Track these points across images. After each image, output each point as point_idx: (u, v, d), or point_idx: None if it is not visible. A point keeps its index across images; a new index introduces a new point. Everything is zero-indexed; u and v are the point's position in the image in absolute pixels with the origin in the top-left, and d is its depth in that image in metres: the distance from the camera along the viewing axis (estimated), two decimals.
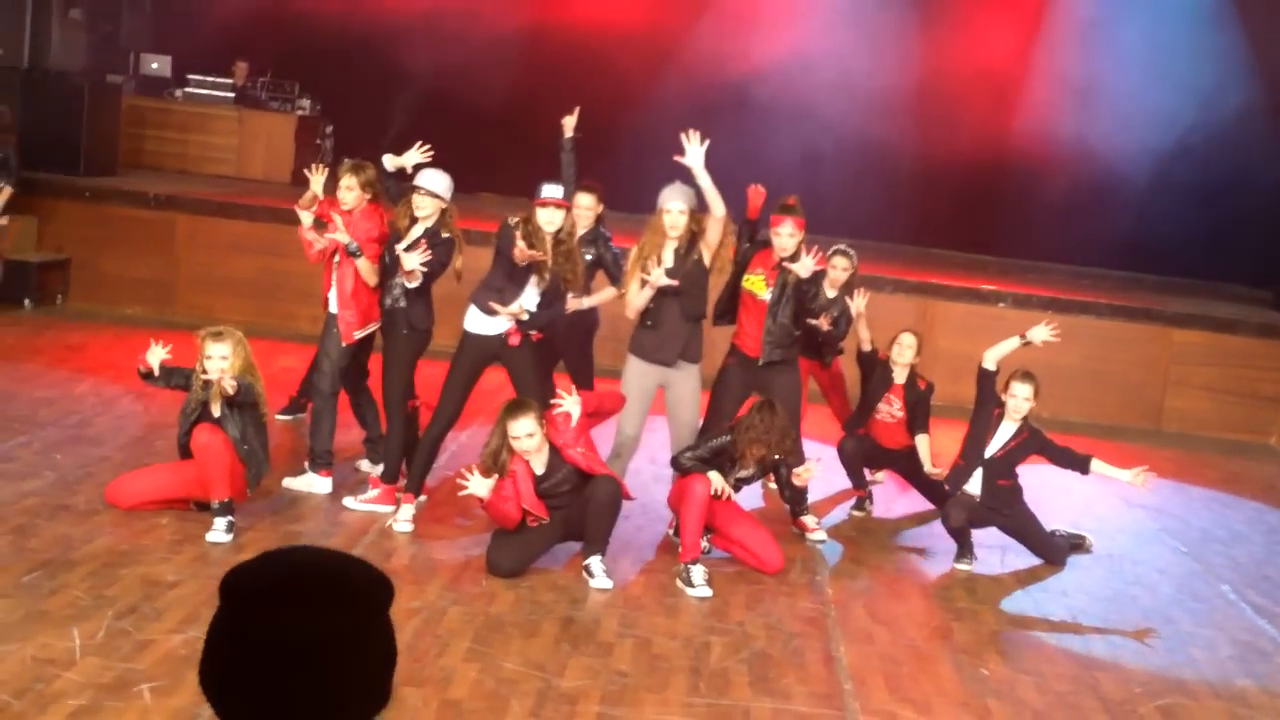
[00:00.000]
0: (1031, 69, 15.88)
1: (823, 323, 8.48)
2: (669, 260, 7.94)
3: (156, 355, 7.51)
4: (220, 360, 7.32)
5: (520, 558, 7.23)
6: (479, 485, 7.08)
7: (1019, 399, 8.16)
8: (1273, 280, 14.96)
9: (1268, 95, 15.26)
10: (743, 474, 7.75)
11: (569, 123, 9.20)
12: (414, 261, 7.79)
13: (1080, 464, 8.28)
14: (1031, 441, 8.26)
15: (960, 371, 8.58)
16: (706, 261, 8.03)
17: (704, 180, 7.80)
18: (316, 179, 8.55)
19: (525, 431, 7.08)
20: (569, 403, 7.35)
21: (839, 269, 9.07)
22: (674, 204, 7.94)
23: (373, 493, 8.08)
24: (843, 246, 9.17)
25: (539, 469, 7.20)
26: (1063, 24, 15.99)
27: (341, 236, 8.08)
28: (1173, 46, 15.93)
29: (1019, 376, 8.20)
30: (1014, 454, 8.25)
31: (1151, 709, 6.45)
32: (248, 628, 1.97)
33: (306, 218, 8.46)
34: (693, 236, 7.98)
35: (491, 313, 7.75)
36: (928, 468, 8.78)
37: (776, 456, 7.71)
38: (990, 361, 8.32)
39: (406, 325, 8.07)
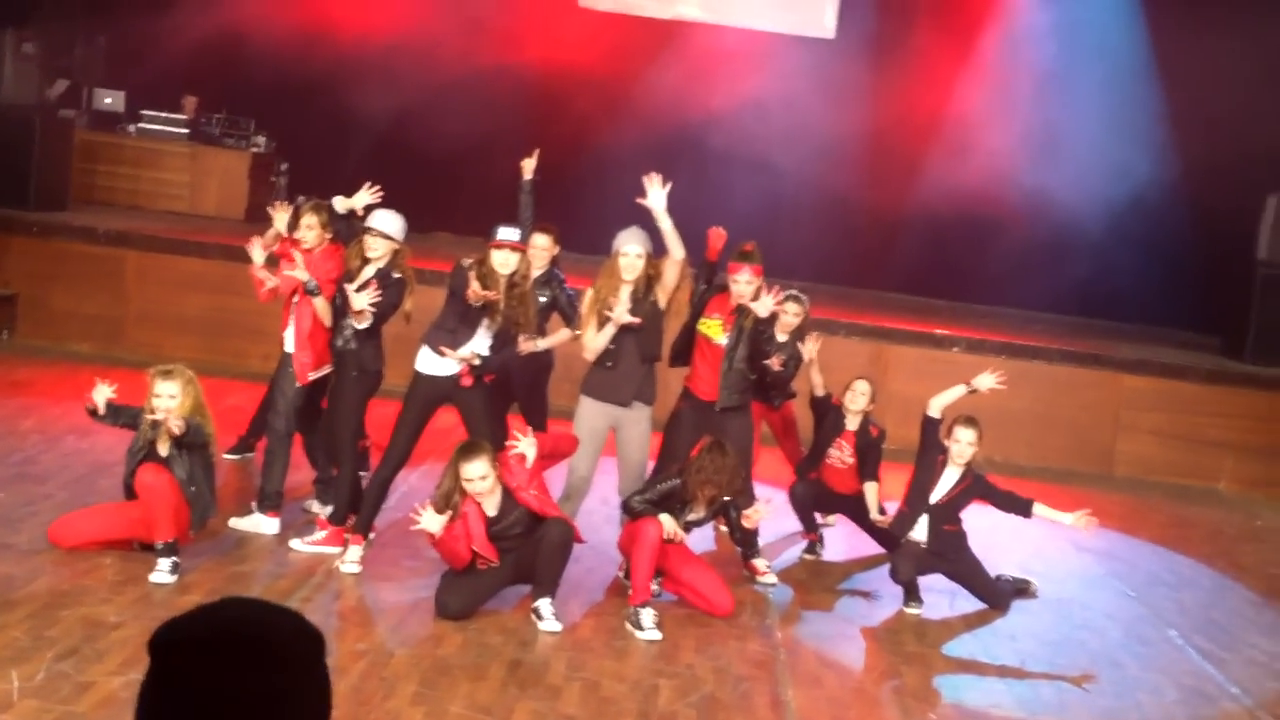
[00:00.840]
0: (988, 118, 15.99)
1: (774, 363, 8.50)
2: (625, 303, 7.95)
3: (103, 394, 7.44)
4: (169, 399, 7.26)
5: (469, 599, 7.19)
6: (431, 521, 7.04)
7: (962, 444, 8.20)
8: (1221, 327, 15.08)
9: (1216, 149, 15.41)
10: (693, 517, 7.74)
11: (528, 165, 9.22)
12: (363, 301, 7.77)
13: (1022, 508, 8.32)
14: (975, 487, 8.29)
15: (913, 415, 8.60)
16: (662, 304, 8.05)
17: (665, 223, 7.83)
18: (280, 217, 8.55)
19: (479, 474, 7.04)
20: (524, 444, 7.32)
21: (790, 314, 9.10)
22: (631, 248, 7.96)
23: (320, 534, 8.01)
24: (794, 292, 9.21)
25: (491, 511, 7.17)
26: (1019, 75, 16.12)
27: (301, 274, 8.05)
28: (1128, 100, 16.14)
29: (962, 421, 8.24)
30: (958, 500, 8.28)
31: None
32: (176, 686, 1.96)
33: (258, 256, 8.43)
34: (648, 280, 8.00)
35: (444, 354, 7.74)
36: (874, 514, 8.80)
37: (727, 498, 7.71)
38: (935, 409, 8.35)
39: (357, 367, 8.04)
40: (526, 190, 9.20)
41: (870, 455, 8.96)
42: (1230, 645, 8.38)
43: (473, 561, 7.18)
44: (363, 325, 7.89)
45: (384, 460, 7.95)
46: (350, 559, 7.75)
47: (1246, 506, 12.54)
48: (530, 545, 7.19)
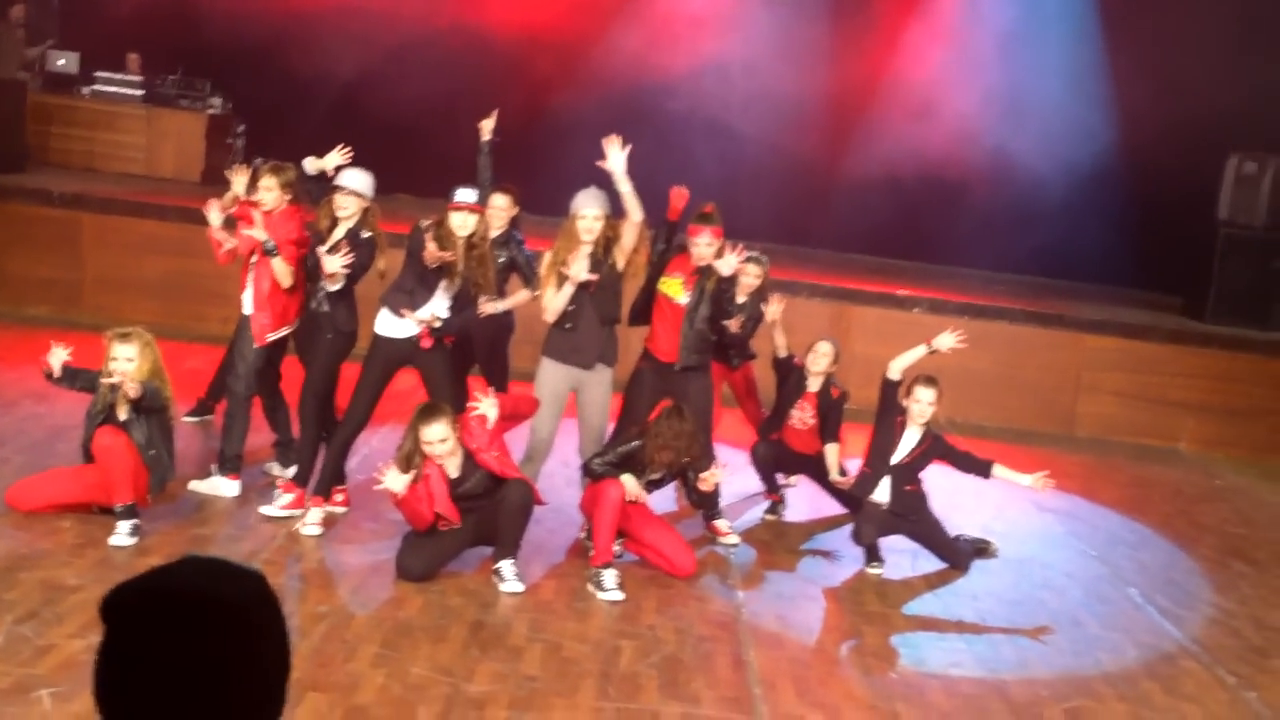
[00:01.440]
0: (949, 79, 15.97)
1: (733, 324, 8.48)
2: (583, 262, 7.91)
3: (58, 356, 7.37)
4: (126, 362, 7.19)
5: (430, 561, 7.16)
6: (395, 480, 7.00)
7: (923, 404, 8.19)
8: (1182, 287, 15.14)
9: (1177, 110, 15.45)
10: (653, 477, 7.73)
11: (487, 125, 9.20)
12: (336, 264, 7.71)
13: (982, 469, 8.34)
14: (935, 447, 8.30)
15: (874, 376, 8.59)
16: (620, 266, 8.02)
17: (624, 186, 7.81)
18: (238, 179, 8.49)
19: (438, 437, 7.01)
20: (485, 405, 7.29)
21: (750, 275, 9.07)
22: (589, 210, 7.92)
23: (286, 497, 7.94)
24: (755, 253, 9.18)
25: (453, 473, 7.14)
26: (981, 36, 16.10)
27: (259, 234, 7.97)
28: (1089, 61, 16.15)
29: (922, 381, 8.23)
30: (919, 460, 8.29)
31: (1058, 712, 6.50)
32: (130, 649, 1.93)
33: (216, 218, 8.35)
34: (607, 242, 7.96)
35: (403, 316, 7.69)
36: (833, 475, 8.81)
37: (685, 460, 7.70)
38: (895, 371, 8.33)
39: (331, 328, 7.97)
40: (485, 151, 9.16)
41: (832, 416, 8.96)
42: (1189, 604, 8.44)
43: (434, 523, 7.16)
44: (335, 287, 7.82)
45: (343, 422, 7.90)
46: (311, 521, 7.71)
47: (1206, 466, 12.62)
48: (491, 507, 7.17)
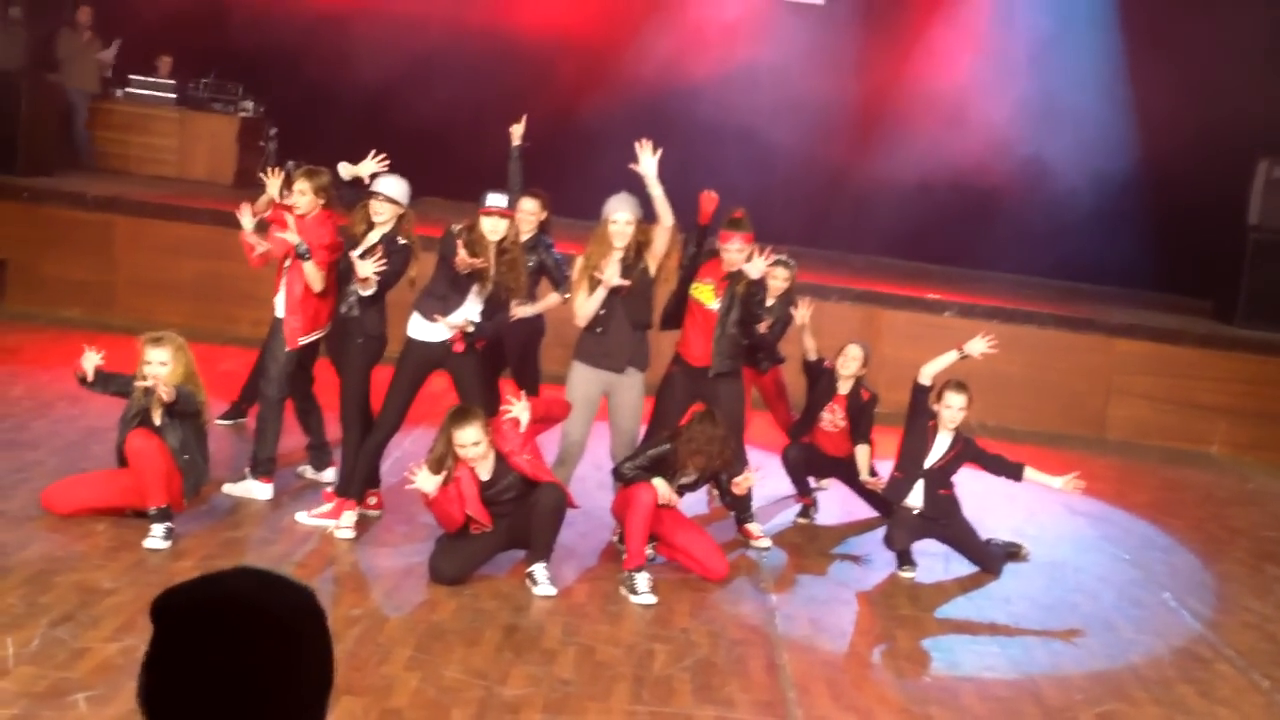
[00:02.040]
0: (980, 84, 15.94)
1: (761, 326, 8.49)
2: (615, 266, 7.92)
3: (91, 361, 7.40)
4: (159, 366, 7.22)
5: (463, 565, 7.18)
6: (426, 481, 7.02)
7: (954, 409, 8.19)
8: (1213, 291, 15.09)
9: (1208, 114, 15.41)
10: (685, 481, 7.73)
11: (517, 130, 9.23)
12: (369, 269, 7.71)
13: (1013, 471, 8.33)
14: (966, 450, 8.30)
15: (904, 380, 8.59)
16: (652, 271, 8.03)
17: (656, 189, 7.82)
18: (273, 182, 8.51)
19: (471, 440, 7.02)
20: (517, 408, 7.30)
21: (779, 279, 9.07)
22: (620, 214, 7.93)
23: (325, 506, 7.96)
24: (782, 256, 9.16)
25: (484, 475, 7.15)
26: (1012, 41, 16.06)
27: (292, 237, 7.99)
28: (1121, 66, 16.11)
29: (952, 386, 8.23)
30: (951, 464, 8.29)
31: (1091, 715, 6.48)
32: (177, 653, 1.95)
33: (248, 222, 8.37)
34: (638, 246, 7.97)
35: (435, 321, 7.71)
36: (863, 476, 8.81)
37: (717, 464, 7.71)
38: (926, 377, 8.32)
39: (361, 334, 7.98)
40: (515, 156, 9.19)
41: (862, 419, 8.95)
42: (1223, 608, 8.40)
43: (466, 526, 7.17)
44: (368, 292, 7.83)
45: (376, 426, 7.92)
46: (344, 524, 7.73)
47: (1239, 470, 12.56)
48: (523, 510, 7.18)
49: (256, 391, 8.73)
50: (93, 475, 7.70)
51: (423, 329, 7.79)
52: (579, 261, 8.12)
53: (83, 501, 7.42)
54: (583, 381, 8.11)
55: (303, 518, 7.88)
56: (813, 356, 9.21)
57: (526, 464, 7.21)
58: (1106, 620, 7.91)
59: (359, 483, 7.90)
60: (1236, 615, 8.28)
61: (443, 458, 7.08)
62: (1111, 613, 8.07)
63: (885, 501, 8.58)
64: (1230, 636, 7.83)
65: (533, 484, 7.20)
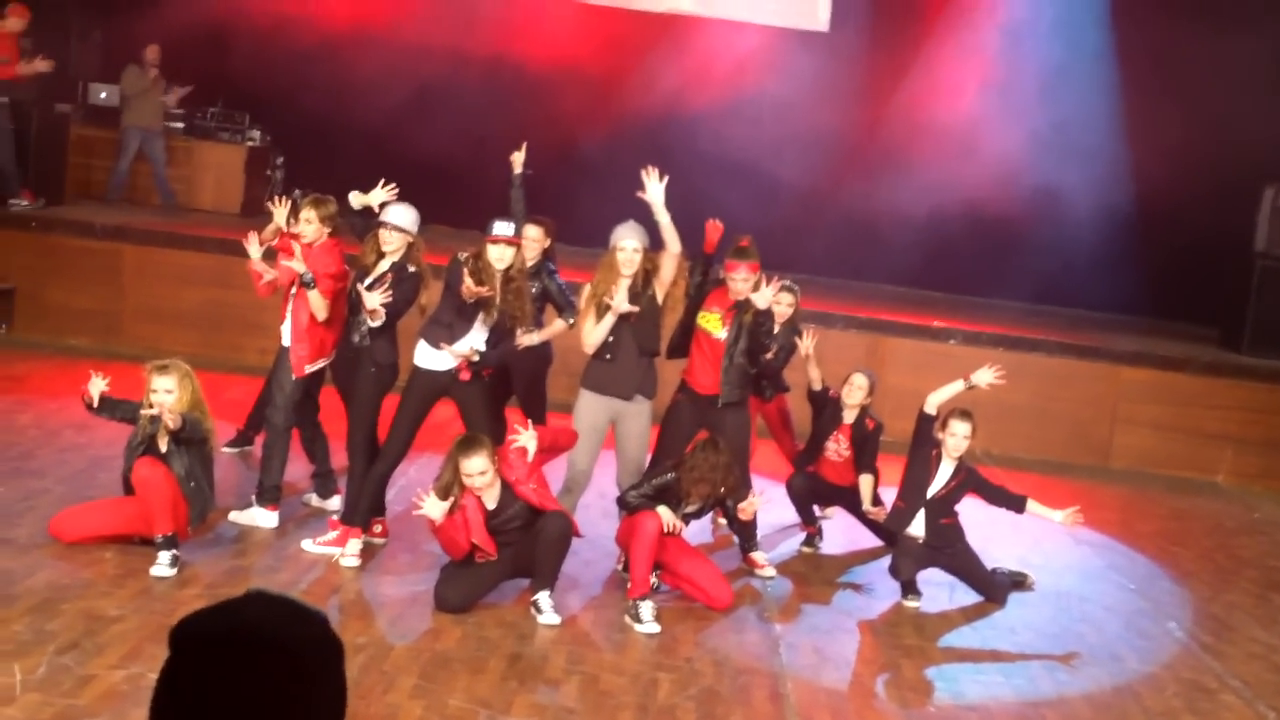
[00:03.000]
0: (983, 111, 15.97)
1: (766, 355, 8.51)
2: (624, 293, 7.94)
3: (96, 386, 7.42)
4: (165, 394, 7.25)
5: (468, 593, 7.18)
6: (434, 507, 7.02)
7: (958, 438, 8.20)
8: (1219, 319, 15.09)
9: (1213, 141, 15.46)
10: (690, 509, 7.73)
11: (518, 159, 9.28)
12: (375, 301, 7.73)
13: (1015, 504, 8.35)
14: (969, 480, 8.31)
15: (909, 408, 8.60)
16: (660, 298, 8.05)
17: (663, 217, 7.84)
18: (280, 211, 8.53)
19: (478, 469, 7.03)
20: (525, 437, 7.31)
21: (783, 305, 9.08)
22: (628, 242, 7.95)
23: (331, 534, 7.96)
24: (787, 282, 9.18)
25: (490, 504, 7.16)
26: (1016, 69, 16.09)
27: (298, 265, 8.01)
28: (1125, 93, 16.16)
29: (957, 415, 8.24)
30: (954, 493, 8.29)
31: None
32: (190, 680, 1.97)
33: (255, 250, 8.39)
34: (646, 274, 8.00)
35: (441, 349, 7.72)
36: (866, 506, 8.81)
37: (721, 492, 7.71)
38: (931, 406, 8.33)
39: (373, 363, 7.99)
40: (516, 184, 9.25)
41: (866, 448, 8.96)
42: (1230, 638, 8.38)
43: (471, 554, 7.18)
44: (377, 323, 7.85)
45: (382, 454, 7.93)
46: (350, 552, 7.74)
47: (1245, 499, 12.55)
48: (529, 539, 7.19)
49: (263, 419, 8.75)
50: (99, 503, 7.72)
51: (429, 357, 7.81)
52: (586, 289, 8.14)
53: (89, 529, 7.44)
54: (590, 410, 8.12)
55: (308, 546, 7.89)
56: (817, 386, 9.22)
57: (532, 493, 7.22)
58: (1112, 650, 7.90)
59: (364, 511, 7.91)
60: (1242, 645, 8.26)
61: (449, 486, 7.09)
62: (1117, 642, 8.05)
63: (890, 531, 8.59)
64: (1236, 667, 7.82)
65: (538, 513, 7.21)
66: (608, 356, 8.05)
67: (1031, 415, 12.97)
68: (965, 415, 8.24)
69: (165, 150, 15.89)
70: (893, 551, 8.41)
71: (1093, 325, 15.29)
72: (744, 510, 7.85)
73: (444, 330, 7.76)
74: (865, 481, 8.87)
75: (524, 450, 7.27)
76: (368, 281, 7.87)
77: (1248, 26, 15.26)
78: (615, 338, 8.01)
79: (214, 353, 12.28)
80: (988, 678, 7.26)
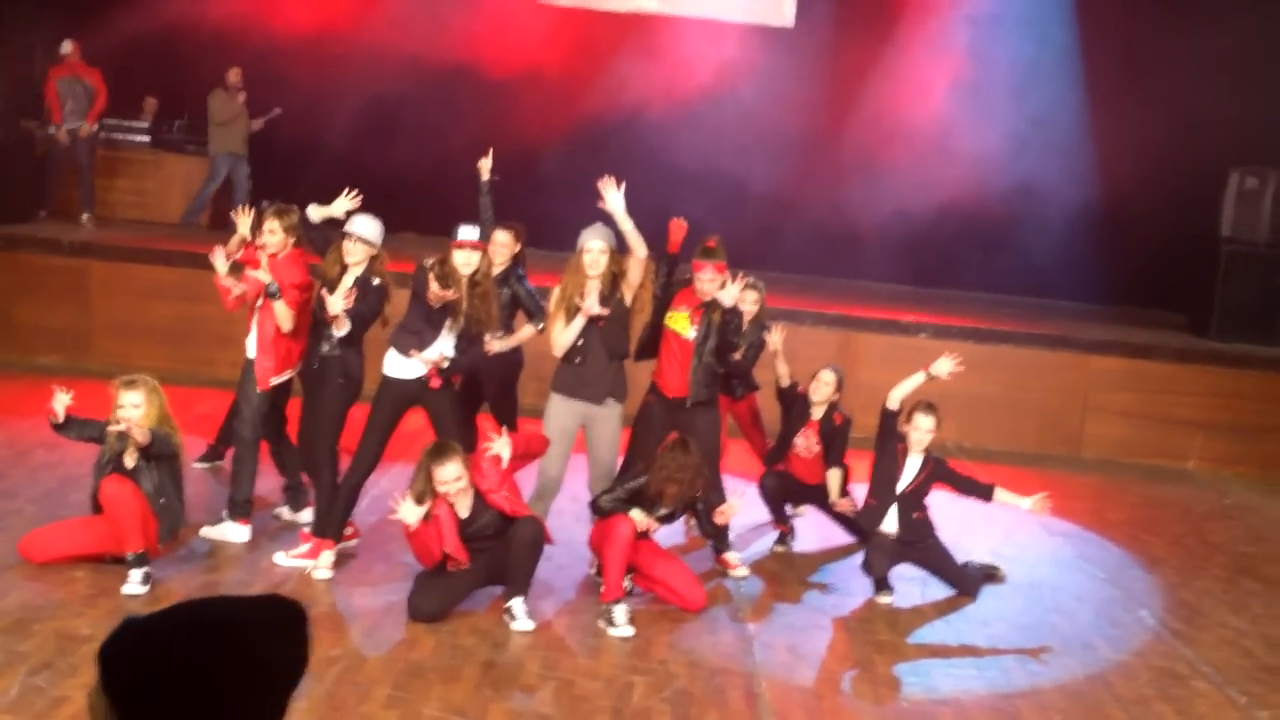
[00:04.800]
0: (950, 104, 16.04)
1: (735, 354, 8.54)
2: (594, 294, 7.95)
3: (61, 402, 7.40)
4: (133, 409, 7.24)
5: (441, 602, 7.20)
6: (409, 512, 7.04)
7: (922, 431, 8.24)
8: (1187, 305, 15.18)
9: (1177, 126, 15.55)
10: (662, 512, 7.75)
11: (485, 165, 9.28)
12: (339, 305, 7.71)
13: (984, 492, 8.39)
14: (937, 471, 8.35)
15: (881, 403, 8.63)
16: (628, 301, 8.07)
17: (625, 224, 7.87)
18: (243, 221, 8.51)
19: (452, 476, 7.04)
20: (499, 445, 7.33)
21: (749, 302, 9.10)
22: (594, 243, 7.98)
23: (304, 546, 7.97)
24: (751, 280, 9.21)
25: (463, 513, 7.18)
26: (981, 61, 16.15)
27: (263, 276, 8.00)
28: (1089, 82, 16.26)
29: (921, 408, 8.28)
30: (923, 486, 8.33)
31: None
32: (121, 696, 1.99)
33: (222, 264, 8.35)
34: (614, 277, 8.02)
35: (411, 356, 7.73)
36: (834, 497, 8.85)
37: (693, 494, 7.73)
38: (894, 401, 8.37)
39: (342, 374, 7.97)
40: (485, 191, 9.25)
41: (835, 443, 8.99)
42: (1201, 624, 8.45)
43: (444, 563, 7.19)
44: (341, 331, 7.84)
45: (353, 465, 7.92)
46: (322, 564, 7.74)
47: (1216, 484, 12.63)
48: (502, 546, 7.20)
49: (232, 433, 8.74)
50: (69, 523, 7.70)
51: (398, 366, 7.82)
52: (555, 292, 8.16)
53: (60, 549, 7.43)
54: (560, 414, 8.13)
55: (281, 559, 7.89)
56: (786, 383, 9.25)
57: (504, 500, 7.24)
58: (1084, 639, 7.95)
59: (337, 523, 7.91)
60: (1213, 631, 8.32)
61: (422, 494, 7.11)
62: (1089, 632, 8.11)
63: (862, 526, 8.63)
64: (1207, 653, 7.88)
65: (511, 521, 7.22)
66: (577, 360, 8.07)
67: (1002, 407, 13.04)
68: (929, 408, 8.28)
69: (249, 177, 15.89)
70: (865, 548, 8.44)
71: (1062, 315, 15.37)
72: (721, 514, 7.88)
73: (413, 338, 7.77)
74: (833, 475, 8.91)
75: (497, 458, 7.29)
76: (335, 293, 7.86)
77: (1210, 15, 15.35)
78: (584, 341, 8.02)
79: (185, 367, 12.27)
80: (961, 671, 7.31)
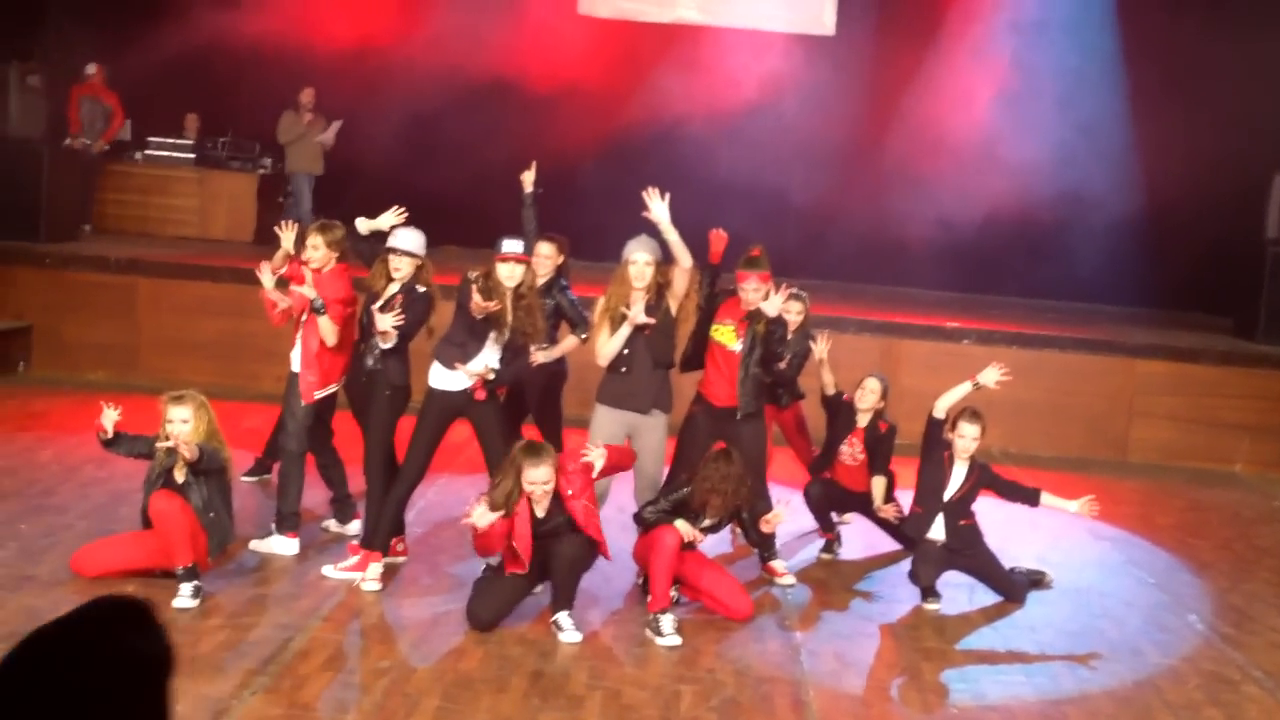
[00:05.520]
0: (993, 109, 16.00)
1: (780, 363, 8.54)
2: (640, 304, 7.96)
3: (109, 417, 7.46)
4: (181, 424, 7.31)
5: (500, 608, 7.22)
6: (482, 517, 7.07)
7: (967, 439, 8.23)
8: (1233, 308, 15.08)
9: (1222, 130, 15.48)
10: (706, 523, 7.76)
11: (528, 178, 9.30)
12: (388, 322, 7.77)
13: (1030, 497, 8.38)
14: (983, 478, 8.33)
15: (925, 410, 8.59)
16: (673, 311, 8.09)
17: (670, 234, 7.89)
18: (287, 236, 8.55)
19: (542, 479, 7.09)
20: (594, 455, 7.37)
21: (793, 312, 9.11)
22: (639, 255, 7.99)
23: (351, 559, 8.01)
24: (795, 290, 9.21)
25: (540, 513, 7.20)
26: (1023, 65, 16.11)
27: (309, 291, 8.07)
28: (1133, 86, 16.19)
29: (967, 416, 8.27)
30: (970, 494, 8.32)
31: None
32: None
33: (268, 280, 8.42)
34: (659, 287, 8.03)
35: (456, 369, 7.77)
36: (877, 504, 8.84)
37: (736, 504, 7.74)
38: (940, 410, 8.36)
39: (388, 385, 8.03)
40: (528, 203, 9.27)
41: (880, 450, 8.97)
42: (1251, 628, 8.38)
43: (500, 566, 7.22)
44: (389, 344, 7.90)
45: (400, 477, 7.96)
46: (371, 576, 7.78)
47: (1264, 488, 12.54)
48: (555, 548, 7.21)
49: (279, 447, 8.81)
50: (120, 537, 7.77)
51: (444, 378, 7.86)
52: (599, 303, 8.18)
53: (111, 564, 7.49)
54: (606, 424, 8.14)
55: (329, 571, 7.94)
56: (830, 390, 9.24)
57: (581, 510, 7.25)
58: (1133, 645, 7.91)
59: (385, 534, 7.95)
60: (1264, 635, 8.26)
61: (510, 493, 7.11)
62: (1138, 637, 8.06)
63: (907, 533, 8.62)
64: (1258, 657, 7.82)
65: (577, 529, 7.23)
66: (623, 370, 8.09)
67: (1048, 412, 12.99)
68: (974, 416, 8.27)
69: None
70: (913, 556, 8.42)
71: (1106, 319, 15.30)
72: (768, 522, 7.88)
73: (457, 350, 7.81)
74: (878, 483, 8.90)
75: (589, 466, 7.32)
76: (379, 304, 7.92)
77: (1252, 19, 15.28)
78: (630, 351, 8.04)
79: (231, 382, 12.38)
80: (1009, 677, 7.28)
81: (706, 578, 7.79)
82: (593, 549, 7.32)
